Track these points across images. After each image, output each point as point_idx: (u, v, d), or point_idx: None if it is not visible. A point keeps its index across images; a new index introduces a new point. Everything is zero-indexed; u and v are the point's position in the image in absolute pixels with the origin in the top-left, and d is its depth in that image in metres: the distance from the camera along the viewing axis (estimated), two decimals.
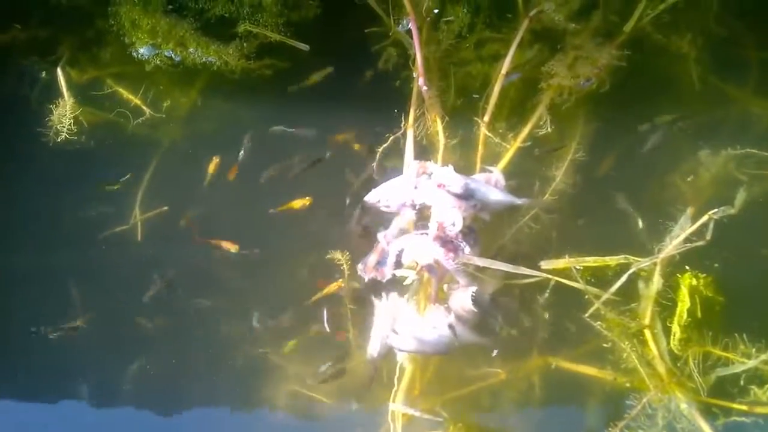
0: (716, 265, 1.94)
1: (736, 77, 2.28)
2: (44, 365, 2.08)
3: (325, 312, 2.03)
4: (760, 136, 2.17)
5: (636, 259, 1.86)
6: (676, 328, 1.85)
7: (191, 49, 2.29)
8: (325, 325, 2.02)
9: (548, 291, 1.94)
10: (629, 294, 1.90)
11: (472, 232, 1.94)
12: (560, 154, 2.11)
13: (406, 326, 1.86)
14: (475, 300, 1.84)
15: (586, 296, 1.87)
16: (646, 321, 1.88)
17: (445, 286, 1.92)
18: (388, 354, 1.88)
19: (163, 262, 2.15)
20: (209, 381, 2.02)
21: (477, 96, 2.20)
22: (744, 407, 1.81)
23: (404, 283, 1.91)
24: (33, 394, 2.06)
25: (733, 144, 2.10)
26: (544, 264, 1.91)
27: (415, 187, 1.94)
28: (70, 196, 2.23)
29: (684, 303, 1.85)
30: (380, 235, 1.97)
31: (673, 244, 1.85)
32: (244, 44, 2.28)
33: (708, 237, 1.82)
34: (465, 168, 2.02)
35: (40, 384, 2.08)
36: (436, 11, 2.26)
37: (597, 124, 2.17)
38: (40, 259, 2.17)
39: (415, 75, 2.13)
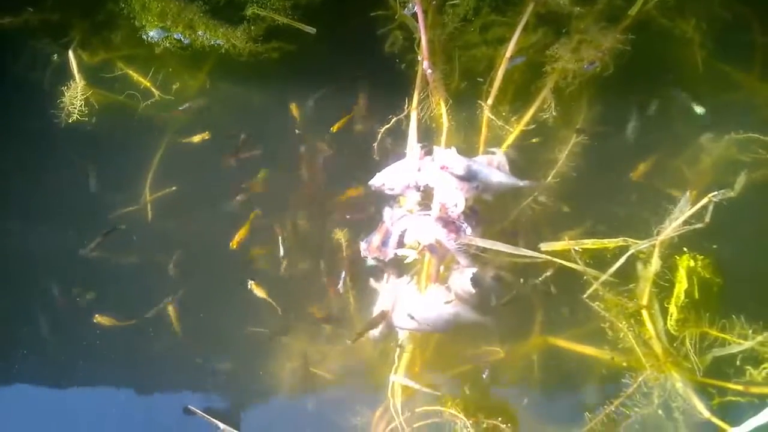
0: (714, 246, 1.96)
1: (741, 62, 2.28)
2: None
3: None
4: (764, 120, 2.16)
5: (635, 241, 1.88)
6: (673, 309, 1.87)
7: (200, 32, 2.32)
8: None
9: (548, 272, 1.96)
10: (627, 275, 1.92)
11: (474, 213, 1.97)
12: (563, 136, 2.12)
13: (407, 305, 1.90)
14: (475, 280, 1.87)
15: (585, 277, 1.89)
16: (644, 302, 1.90)
17: (442, 268, 1.95)
18: (389, 332, 1.92)
19: (172, 241, 2.19)
20: (212, 357, 2.06)
21: (481, 79, 2.22)
22: (739, 387, 1.82)
23: (405, 262, 1.94)
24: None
25: (736, 128, 2.11)
26: (544, 246, 1.93)
27: (419, 169, 1.97)
28: (81, 176, 2.26)
29: (682, 284, 1.87)
30: (385, 215, 2.01)
31: (672, 227, 1.87)
32: (252, 27, 2.31)
33: (707, 219, 1.83)
34: (468, 150, 2.05)
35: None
36: None
37: (601, 108, 2.18)
38: (50, 237, 2.22)
39: (420, 58, 2.15)
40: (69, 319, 2.13)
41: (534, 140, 2.10)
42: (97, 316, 2.08)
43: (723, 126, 2.13)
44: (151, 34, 2.36)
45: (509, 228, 2.00)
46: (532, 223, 2.04)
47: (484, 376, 1.94)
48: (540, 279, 1.98)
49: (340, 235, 2.07)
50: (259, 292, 2.05)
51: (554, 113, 2.13)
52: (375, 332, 1.95)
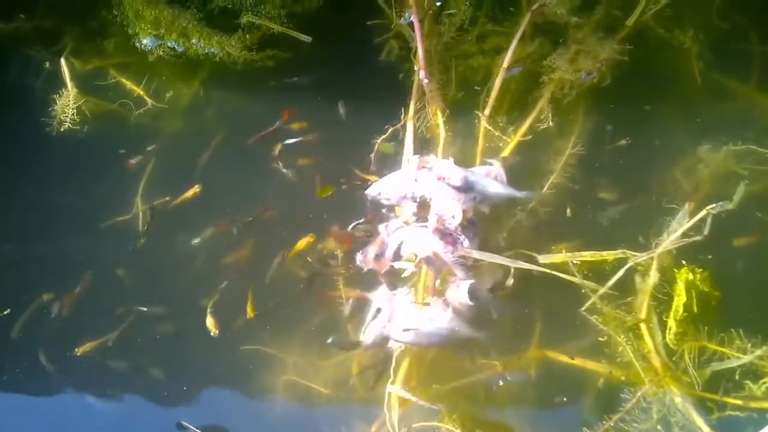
0: (712, 258, 1.94)
1: (739, 72, 2.27)
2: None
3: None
4: (762, 132, 2.15)
5: (633, 253, 1.86)
6: (672, 323, 1.85)
7: (194, 40, 2.30)
8: None
9: (545, 285, 1.94)
10: (626, 288, 1.90)
11: (471, 225, 1.95)
12: (559, 147, 2.11)
13: (404, 318, 1.88)
14: (472, 293, 1.85)
15: (583, 290, 1.87)
16: (642, 315, 1.88)
17: (438, 281, 1.93)
18: (384, 345, 1.90)
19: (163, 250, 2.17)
20: (208, 369, 2.04)
21: (478, 89, 2.20)
22: (739, 402, 1.80)
23: (402, 276, 1.92)
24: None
25: (734, 140, 2.10)
26: (542, 258, 1.91)
27: (416, 180, 1.95)
28: (72, 186, 2.24)
29: (680, 297, 1.85)
30: (381, 227, 1.99)
31: (670, 239, 1.85)
32: (247, 35, 2.30)
33: (705, 232, 1.82)
34: (465, 161, 2.03)
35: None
36: (438, 4, 2.27)
37: (598, 119, 2.17)
38: (41, 247, 2.19)
39: (416, 68, 2.14)
40: (61, 329, 2.09)
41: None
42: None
43: (721, 137, 2.12)
44: (145, 41, 2.34)
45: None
46: (530, 234, 2.02)
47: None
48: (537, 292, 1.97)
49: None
50: (211, 325, 2.02)
51: (551, 123, 2.11)
52: (368, 343, 1.93)
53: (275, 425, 1.96)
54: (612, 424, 1.78)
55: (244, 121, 2.30)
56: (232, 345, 2.02)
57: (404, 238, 1.93)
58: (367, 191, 1.99)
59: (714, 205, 1.81)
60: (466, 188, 1.92)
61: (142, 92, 2.31)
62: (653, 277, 1.88)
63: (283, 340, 2.01)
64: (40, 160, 2.29)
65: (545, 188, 2.05)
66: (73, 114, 2.23)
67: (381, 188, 1.98)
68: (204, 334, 2.04)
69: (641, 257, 1.86)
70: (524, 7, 2.18)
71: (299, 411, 1.96)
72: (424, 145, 2.11)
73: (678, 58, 2.26)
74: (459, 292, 1.88)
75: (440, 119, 2.10)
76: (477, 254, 1.89)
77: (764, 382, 1.80)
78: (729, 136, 2.11)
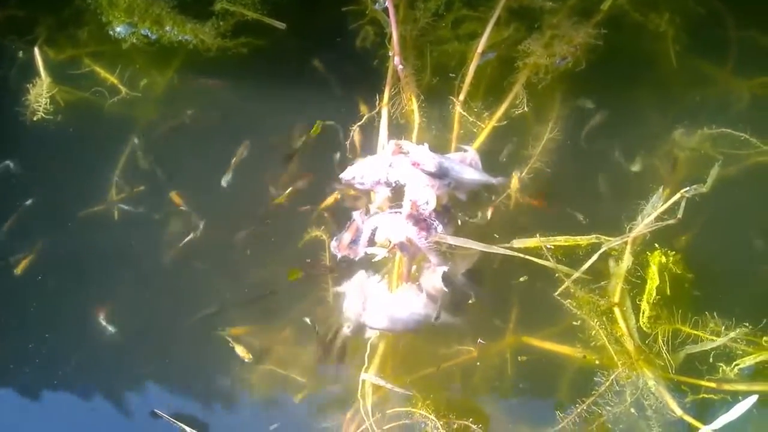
0: (685, 241, 1.95)
1: (715, 56, 2.27)
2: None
3: None
4: (737, 115, 2.15)
5: (607, 238, 1.86)
6: (645, 306, 1.85)
7: (168, 28, 2.29)
8: None
9: (519, 270, 1.94)
10: (600, 272, 1.90)
11: (446, 210, 1.95)
12: (536, 132, 2.10)
13: (378, 304, 1.87)
14: (446, 279, 1.84)
15: (557, 275, 1.87)
16: (616, 299, 1.87)
17: (414, 267, 1.92)
18: (359, 332, 1.90)
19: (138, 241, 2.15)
20: (183, 359, 2.02)
21: (453, 75, 2.20)
22: (712, 384, 1.80)
23: (374, 260, 1.91)
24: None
25: (709, 124, 2.10)
26: (516, 242, 1.91)
27: (390, 165, 1.94)
28: (46, 176, 2.22)
29: (653, 281, 1.85)
30: (355, 213, 1.98)
31: (644, 223, 1.85)
32: (221, 22, 2.28)
33: (679, 215, 1.81)
34: (440, 147, 2.02)
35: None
36: None
37: (573, 103, 2.17)
38: (15, 238, 2.16)
39: (391, 54, 2.12)
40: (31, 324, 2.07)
41: None
42: None
43: (696, 121, 2.12)
44: (118, 29, 2.32)
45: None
46: (504, 220, 2.01)
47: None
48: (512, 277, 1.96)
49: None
50: (241, 351, 1.98)
51: (526, 109, 2.10)
52: (346, 330, 1.93)
53: (250, 414, 1.95)
54: (585, 408, 1.77)
55: (219, 110, 2.29)
56: (207, 331, 2.01)
57: (378, 224, 1.92)
58: (342, 174, 1.99)
59: (688, 188, 1.80)
60: (441, 174, 1.91)
61: (116, 81, 2.29)
62: (627, 261, 1.88)
63: (260, 327, 2.01)
64: (13, 151, 2.25)
65: (522, 174, 2.05)
66: (46, 103, 2.20)
67: (355, 172, 1.97)
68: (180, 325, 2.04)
69: (615, 242, 1.85)
70: None
71: (274, 399, 1.95)
72: (399, 132, 2.10)
73: (654, 42, 2.26)
74: (434, 277, 1.87)
75: (415, 105, 2.09)
76: (451, 240, 1.88)
77: (737, 365, 1.80)
78: (705, 120, 2.11)
